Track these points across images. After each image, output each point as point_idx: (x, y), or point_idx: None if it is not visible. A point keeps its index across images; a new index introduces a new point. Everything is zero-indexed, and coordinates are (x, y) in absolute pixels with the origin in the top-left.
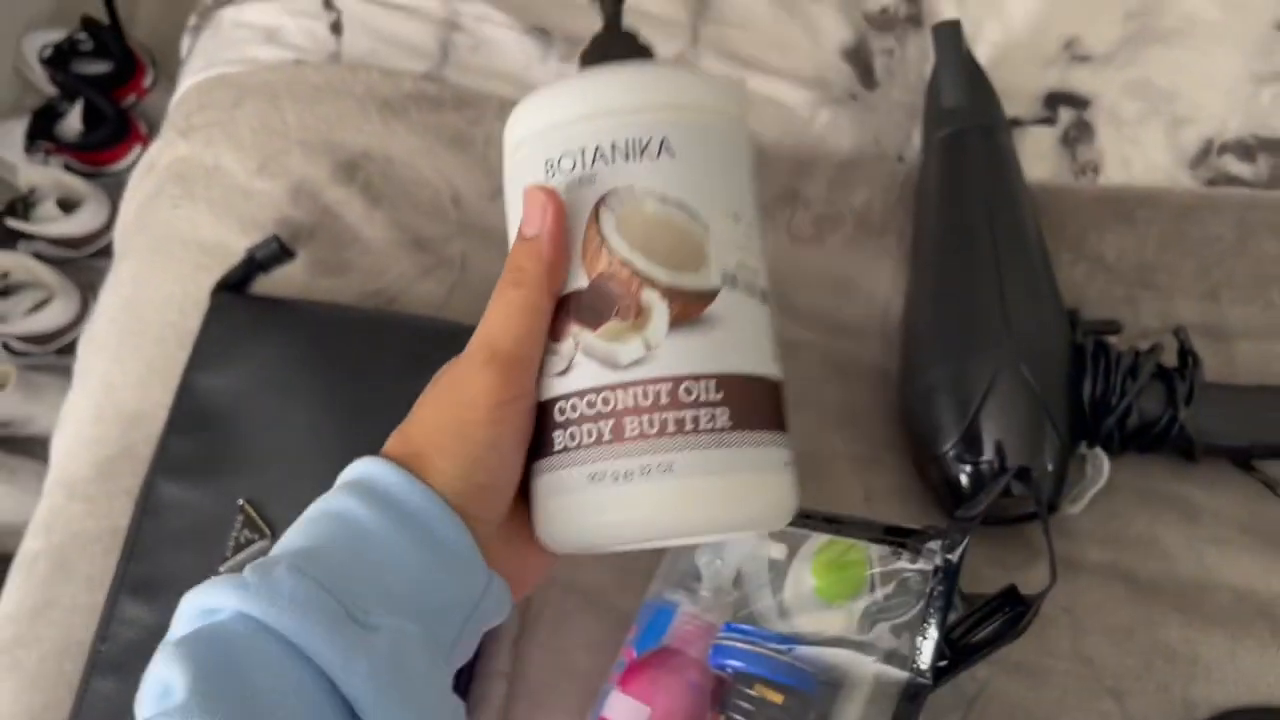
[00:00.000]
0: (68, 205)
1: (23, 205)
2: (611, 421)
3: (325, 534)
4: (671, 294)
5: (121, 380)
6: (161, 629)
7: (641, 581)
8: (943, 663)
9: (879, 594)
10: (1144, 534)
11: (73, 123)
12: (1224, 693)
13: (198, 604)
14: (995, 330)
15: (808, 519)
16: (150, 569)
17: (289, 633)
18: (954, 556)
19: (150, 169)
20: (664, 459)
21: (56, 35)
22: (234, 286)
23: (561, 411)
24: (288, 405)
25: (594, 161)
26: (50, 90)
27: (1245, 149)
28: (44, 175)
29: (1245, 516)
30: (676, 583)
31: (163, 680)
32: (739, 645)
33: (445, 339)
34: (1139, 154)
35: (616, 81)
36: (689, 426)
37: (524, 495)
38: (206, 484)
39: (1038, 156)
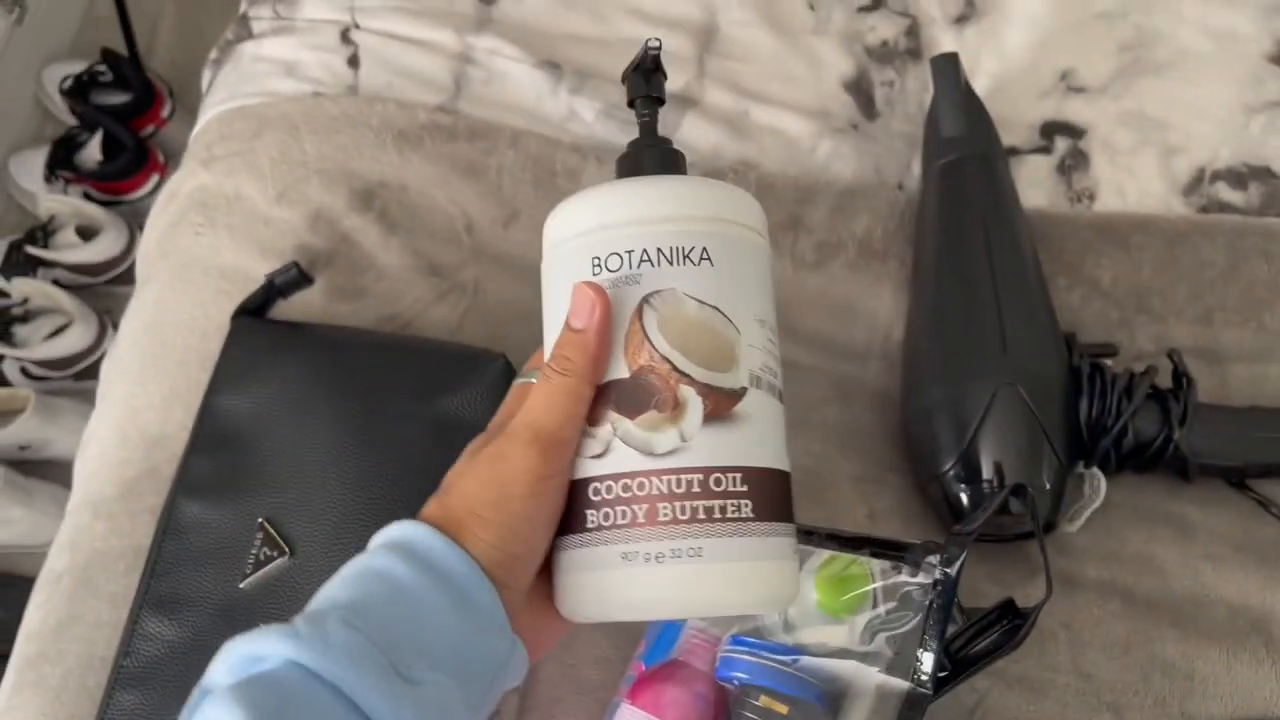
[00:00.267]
0: (87, 233)
1: (42, 233)
2: (645, 505)
3: (368, 591)
4: (706, 391)
5: (145, 402)
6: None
7: None
8: (943, 673)
9: (881, 609)
10: (1140, 551)
11: (92, 152)
12: (1220, 707)
13: (243, 651)
14: (993, 353)
15: (810, 535)
16: (172, 586)
17: (341, 683)
18: (952, 570)
19: (172, 198)
20: (694, 544)
21: (76, 67)
22: (254, 311)
23: (596, 492)
24: (306, 426)
25: (640, 263)
26: (70, 120)
27: (1237, 177)
28: (63, 204)
29: (1239, 534)
30: None
31: None
32: (745, 657)
33: (459, 362)
34: (1133, 182)
35: (665, 192)
36: (717, 515)
37: (544, 568)
38: (227, 503)
39: (1034, 184)
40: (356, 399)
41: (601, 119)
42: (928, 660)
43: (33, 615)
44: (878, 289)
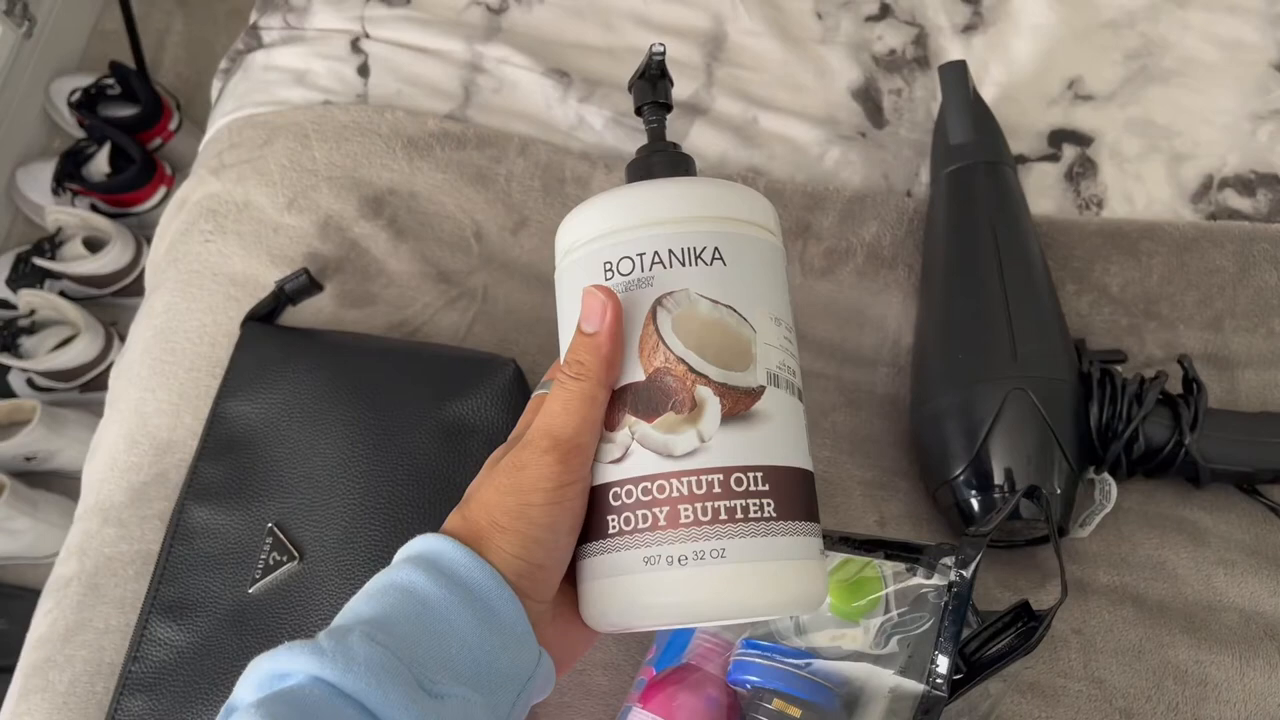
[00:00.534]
0: (94, 245)
1: (50, 245)
2: (666, 508)
3: (392, 606)
4: (723, 390)
5: (154, 408)
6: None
7: None
8: (957, 676)
9: (894, 613)
10: (1152, 557)
11: (100, 165)
12: (1233, 713)
13: (268, 669)
14: (1003, 358)
15: (822, 539)
16: (181, 591)
17: (365, 699)
18: (968, 572)
19: (182, 205)
20: (717, 545)
21: (84, 80)
22: (264, 317)
23: (616, 497)
24: (315, 432)
25: (652, 265)
26: (78, 133)
27: (1245, 184)
28: (71, 216)
29: (1251, 539)
30: None
31: None
32: (757, 661)
33: (468, 367)
34: (1141, 189)
35: (675, 194)
36: (739, 515)
37: (569, 578)
38: (236, 508)
39: (1043, 191)
40: (366, 404)
41: (610, 127)
42: (943, 662)
43: (40, 621)
44: (886, 295)
